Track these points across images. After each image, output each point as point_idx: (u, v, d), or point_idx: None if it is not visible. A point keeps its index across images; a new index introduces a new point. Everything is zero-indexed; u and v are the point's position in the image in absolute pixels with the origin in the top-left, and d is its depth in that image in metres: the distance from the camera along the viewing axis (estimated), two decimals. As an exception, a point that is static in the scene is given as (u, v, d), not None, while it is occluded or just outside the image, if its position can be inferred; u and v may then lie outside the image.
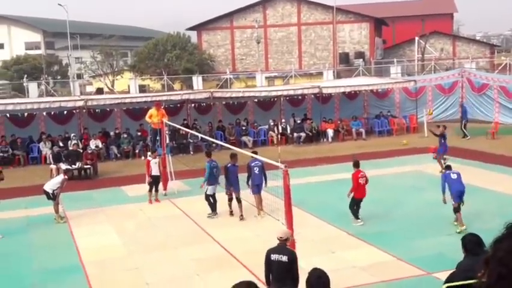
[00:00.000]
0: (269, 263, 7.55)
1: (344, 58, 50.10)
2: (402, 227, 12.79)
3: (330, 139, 26.43)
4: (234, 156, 13.84)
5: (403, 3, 66.33)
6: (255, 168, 14.04)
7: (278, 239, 7.66)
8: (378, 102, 29.91)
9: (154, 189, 15.68)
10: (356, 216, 13.02)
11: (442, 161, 17.45)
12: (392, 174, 18.21)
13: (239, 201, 13.87)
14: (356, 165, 13.13)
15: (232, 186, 13.89)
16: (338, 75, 45.02)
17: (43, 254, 11.97)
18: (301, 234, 9.95)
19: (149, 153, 16.53)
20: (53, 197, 14.20)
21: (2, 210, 14.83)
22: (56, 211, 14.22)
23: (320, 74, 46.00)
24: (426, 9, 61.78)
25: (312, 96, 28.10)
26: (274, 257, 7.51)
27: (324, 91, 27.28)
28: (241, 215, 13.76)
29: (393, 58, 46.32)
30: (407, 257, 10.66)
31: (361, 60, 47.23)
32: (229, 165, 13.89)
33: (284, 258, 7.45)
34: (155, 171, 15.59)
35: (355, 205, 13.03)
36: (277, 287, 7.51)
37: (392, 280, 9.83)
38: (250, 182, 14.17)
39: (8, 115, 23.71)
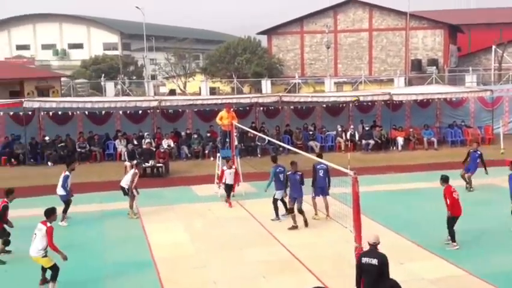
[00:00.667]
0: (360, 266, 7.76)
1: (416, 65, 48.96)
2: (476, 241, 12.37)
3: (399, 147, 25.91)
4: (293, 164, 13.71)
5: (480, 11, 64.02)
6: (320, 171, 14.03)
7: (370, 244, 7.94)
8: (451, 112, 29.01)
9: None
10: (453, 239, 11.83)
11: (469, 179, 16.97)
12: (465, 187, 17.60)
13: (300, 212, 13.56)
14: (446, 180, 12.05)
15: (293, 195, 13.60)
16: (410, 83, 44.08)
17: (116, 247, 12.50)
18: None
19: (224, 166, 16.29)
20: (128, 192, 14.81)
21: (79, 203, 15.64)
22: (131, 206, 14.81)
23: (391, 80, 45.22)
24: (505, 18, 59.30)
25: (382, 102, 27.66)
26: (365, 260, 7.76)
27: (395, 98, 26.80)
28: (305, 221, 13.68)
29: (468, 66, 44.81)
30: (481, 273, 10.28)
31: (434, 67, 46.02)
32: (289, 173, 13.79)
33: (374, 262, 7.68)
34: (229, 180, 15.86)
35: (453, 224, 11.82)
36: None
37: (463, 295, 9.55)
38: (314, 185, 14.15)
39: (86, 113, 24.91)
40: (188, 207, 15.91)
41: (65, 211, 14.28)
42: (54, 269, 9.81)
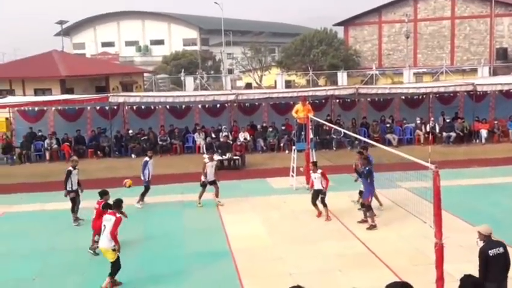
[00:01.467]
0: (487, 260, 7.66)
1: (502, 54, 46.52)
2: None
3: (483, 140, 24.81)
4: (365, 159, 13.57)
5: None
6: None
7: (487, 235, 7.92)
8: (541, 102, 27.33)
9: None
10: None
11: None
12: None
13: (362, 205, 13.31)
14: None
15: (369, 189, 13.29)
16: (495, 72, 42.01)
17: (195, 237, 12.92)
18: (450, 238, 9.58)
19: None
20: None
21: (160, 194, 16.31)
22: (216, 195, 15.46)
23: (474, 70, 43.31)
24: None
25: (465, 93, 26.54)
26: (492, 252, 7.71)
27: (479, 89, 25.60)
28: (363, 220, 13.34)
29: (561, 54, 41.97)
30: None
31: (522, 55, 43.52)
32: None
33: (501, 250, 7.76)
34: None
35: None
36: (498, 281, 7.66)
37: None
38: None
39: (167, 107, 25.79)
40: (264, 199, 16.12)
41: (143, 194, 15.52)
42: (117, 264, 9.93)
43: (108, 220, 10.04)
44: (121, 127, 25.19)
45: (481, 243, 7.87)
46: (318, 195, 13.96)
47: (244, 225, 13.71)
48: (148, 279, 10.55)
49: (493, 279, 7.57)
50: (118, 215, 10.12)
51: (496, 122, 25.62)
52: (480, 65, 42.49)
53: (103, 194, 11.92)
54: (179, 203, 16.08)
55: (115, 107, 24.98)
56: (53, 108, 24.99)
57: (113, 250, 9.89)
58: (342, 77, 43.03)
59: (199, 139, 24.51)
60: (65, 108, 25.23)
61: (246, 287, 9.91)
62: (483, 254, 7.70)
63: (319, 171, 13.99)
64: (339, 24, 53.73)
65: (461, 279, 4.72)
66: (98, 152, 24.14)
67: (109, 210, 10.36)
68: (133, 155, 23.89)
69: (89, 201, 13.23)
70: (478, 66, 42.91)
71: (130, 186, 14.36)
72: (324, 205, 13.78)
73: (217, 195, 15.56)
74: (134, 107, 25.48)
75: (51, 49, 43.06)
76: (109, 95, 25.20)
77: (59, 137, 24.36)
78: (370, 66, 47.32)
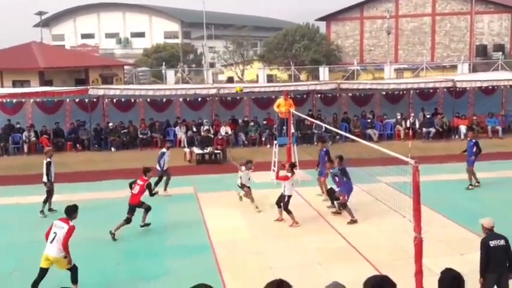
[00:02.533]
0: (488, 251, 7.88)
1: (482, 51, 47.12)
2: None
3: (462, 136, 25.12)
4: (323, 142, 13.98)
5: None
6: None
7: (489, 228, 8.15)
8: (518, 99, 27.78)
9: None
10: None
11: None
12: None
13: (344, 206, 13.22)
14: None
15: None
16: (474, 69, 42.53)
17: (176, 231, 12.88)
18: (428, 233, 9.68)
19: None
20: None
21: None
22: (251, 200, 14.43)
23: (454, 67, 43.78)
24: None
25: (445, 90, 26.82)
26: (493, 243, 7.92)
27: (458, 85, 25.90)
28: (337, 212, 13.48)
29: (538, 51, 42.63)
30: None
31: (500, 53, 44.12)
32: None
33: (502, 242, 7.94)
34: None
35: None
36: (498, 273, 7.87)
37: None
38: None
39: (148, 100, 25.58)
40: (246, 193, 16.07)
41: (156, 183, 15.53)
42: (74, 269, 9.28)
43: (60, 228, 9.15)
44: (100, 120, 24.92)
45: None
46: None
47: (225, 219, 13.68)
48: (128, 273, 10.49)
49: (493, 271, 7.81)
50: (71, 223, 9.21)
51: (474, 118, 25.94)
52: (460, 62, 42.95)
53: (147, 171, 12.92)
54: (160, 197, 15.94)
55: (95, 100, 24.70)
56: (32, 100, 24.58)
57: (65, 258, 9.11)
58: (323, 72, 43.13)
59: (180, 133, 24.38)
60: (43, 101, 24.85)
61: (226, 281, 9.90)
62: (484, 245, 7.92)
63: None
64: (321, 19, 53.82)
65: (442, 272, 4.74)
66: (77, 145, 23.87)
67: (63, 217, 9.42)
68: (112, 148, 23.68)
69: (66, 195, 13.07)
70: (457, 62, 43.37)
71: (241, 91, 16.76)
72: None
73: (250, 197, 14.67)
74: (114, 100, 25.21)
75: (30, 40, 42.36)
76: (88, 87, 24.94)
77: (37, 130, 24.01)
78: (352, 61, 47.54)
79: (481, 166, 18.91)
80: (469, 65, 43.21)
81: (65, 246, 9.06)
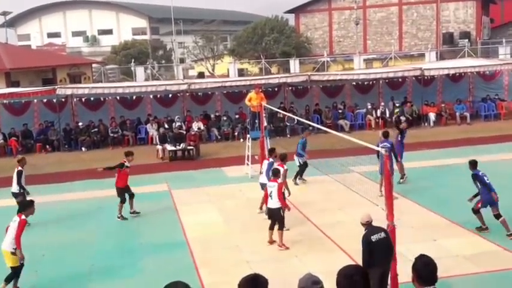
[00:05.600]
0: (372, 245, 7.81)
1: (448, 38, 47.80)
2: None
3: (431, 123, 25.52)
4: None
5: (514, -21, 61.70)
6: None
7: (366, 223, 8.13)
8: (484, 85, 28.29)
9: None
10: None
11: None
12: (499, 161, 17.26)
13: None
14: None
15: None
16: (441, 57, 43.16)
17: (150, 229, 12.78)
18: (401, 220, 9.82)
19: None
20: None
21: (112, 187, 15.96)
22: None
23: (422, 55, 44.41)
24: (541, -15, 57.09)
25: (413, 78, 27.18)
26: (375, 237, 7.85)
27: (426, 73, 26.26)
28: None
29: (502, 38, 43.47)
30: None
31: (466, 40, 44.86)
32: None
33: (383, 235, 7.89)
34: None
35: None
36: (384, 267, 7.81)
37: (499, 271, 9.45)
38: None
39: (118, 98, 25.24)
40: (219, 188, 16.07)
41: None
42: (17, 271, 9.34)
43: (13, 221, 9.38)
44: (70, 120, 24.52)
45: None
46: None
47: (200, 215, 13.63)
48: (103, 272, 10.39)
49: (377, 264, 7.72)
50: (23, 217, 9.37)
51: (443, 105, 26.36)
52: (427, 50, 43.56)
53: (128, 154, 13.66)
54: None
55: (63, 100, 24.30)
56: (-2, 102, 24.05)
57: (13, 254, 9.19)
58: (294, 64, 43.20)
59: (152, 130, 24.15)
60: (11, 102, 24.31)
61: (203, 277, 9.87)
62: (366, 240, 7.86)
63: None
64: (290, 11, 53.84)
65: (416, 258, 4.79)
66: (47, 146, 23.44)
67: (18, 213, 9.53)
68: (83, 148, 23.34)
69: (37, 198, 12.78)
70: (425, 51, 43.99)
71: None
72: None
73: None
74: (83, 99, 24.83)
75: (-6, 41, 41.33)
76: (56, 87, 24.46)
77: (5, 132, 23.51)
78: (321, 53, 47.71)
79: (450, 152, 19.32)
80: (436, 53, 43.84)
81: (18, 239, 9.20)
